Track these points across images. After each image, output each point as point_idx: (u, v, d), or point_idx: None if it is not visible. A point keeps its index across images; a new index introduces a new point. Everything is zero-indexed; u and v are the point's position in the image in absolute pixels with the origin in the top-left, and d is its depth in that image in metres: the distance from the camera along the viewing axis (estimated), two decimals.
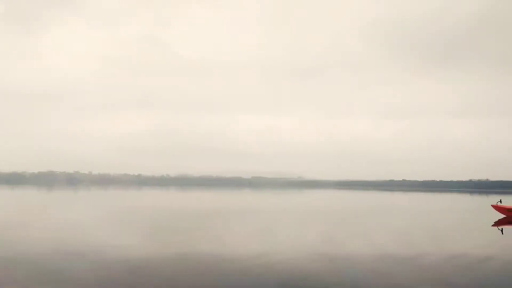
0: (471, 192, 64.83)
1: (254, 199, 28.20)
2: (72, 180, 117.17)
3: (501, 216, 13.73)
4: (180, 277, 4.53)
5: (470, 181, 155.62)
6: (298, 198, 31.43)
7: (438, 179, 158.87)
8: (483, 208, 14.76)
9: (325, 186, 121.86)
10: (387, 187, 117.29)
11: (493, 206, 14.82)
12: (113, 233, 8.38)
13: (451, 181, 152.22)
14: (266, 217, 12.77)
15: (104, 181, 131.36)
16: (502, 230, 10.26)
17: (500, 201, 14.49)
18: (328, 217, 13.55)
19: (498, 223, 11.90)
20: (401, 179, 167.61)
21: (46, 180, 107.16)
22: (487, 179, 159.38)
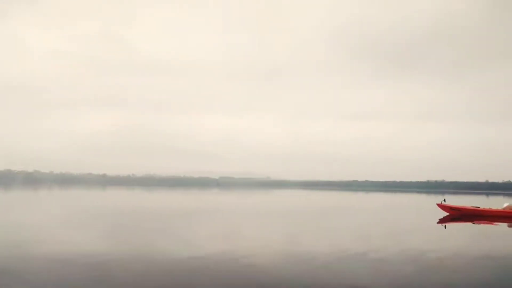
0: (428, 192, 67.62)
1: (222, 199, 27.89)
2: (32, 180, 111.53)
3: (445, 214, 14.60)
4: (143, 278, 4.31)
5: (428, 181, 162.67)
6: (266, 198, 31.42)
7: (398, 180, 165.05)
8: (435, 207, 15.63)
9: (292, 186, 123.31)
10: (350, 187, 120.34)
11: (438, 204, 15.63)
12: (74, 234, 7.88)
13: (410, 182, 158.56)
14: (234, 217, 12.61)
15: (66, 180, 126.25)
16: (445, 227, 10.94)
17: (444, 200, 15.43)
18: (294, 216, 13.59)
19: (442, 221, 12.50)
20: (363, 179, 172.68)
21: (3, 180, 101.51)
22: (443, 180, 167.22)
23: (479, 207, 14.76)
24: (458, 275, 4.68)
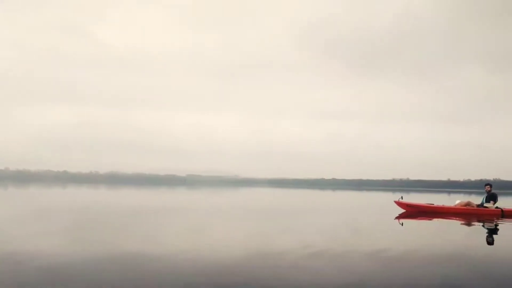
0: (393, 191, 69.89)
1: (189, 197, 27.87)
2: None
3: (402, 210, 15.41)
4: (105, 278, 4.32)
5: (393, 180, 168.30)
6: (234, 196, 31.62)
7: (364, 178, 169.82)
8: (394, 204, 16.40)
9: (260, 184, 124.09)
10: (318, 186, 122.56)
11: (395, 202, 16.36)
12: (31, 234, 7.71)
13: (377, 180, 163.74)
14: (201, 216, 12.70)
15: (23, 178, 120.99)
16: (402, 223, 11.49)
17: (402, 198, 16.14)
18: (261, 214, 13.88)
19: (399, 217, 13.16)
20: (331, 177, 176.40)
21: None
22: (408, 178, 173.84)
23: (433, 204, 15.69)
24: (416, 270, 5.07)
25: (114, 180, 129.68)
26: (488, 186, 14.59)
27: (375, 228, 10.19)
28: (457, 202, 14.96)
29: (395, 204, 16.34)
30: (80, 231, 8.32)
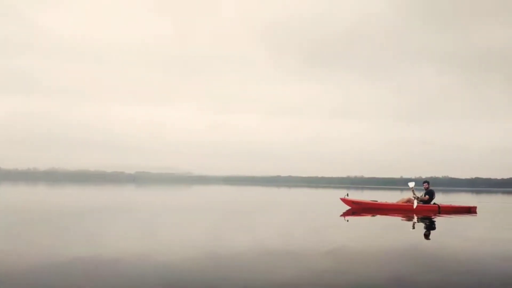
0: (348, 188, 72.43)
1: (137, 196, 27.44)
2: None
3: (348, 207, 16.26)
4: (43, 285, 4.28)
5: (348, 177, 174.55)
6: (186, 194, 31.54)
7: (320, 176, 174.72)
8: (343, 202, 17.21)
9: (214, 181, 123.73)
10: (273, 183, 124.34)
11: (341, 199, 17.18)
12: None
13: (332, 177, 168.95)
14: (151, 215, 12.68)
15: None
16: (347, 220, 12.21)
17: (347, 195, 17.04)
18: (215, 213, 14.03)
19: (344, 214, 13.92)
20: (287, 175, 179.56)
21: None
22: (362, 176, 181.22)
23: (377, 201, 16.80)
24: (365, 265, 5.46)
25: (55, 177, 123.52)
26: (426, 184, 16.19)
27: (324, 226, 10.71)
28: (399, 198, 16.17)
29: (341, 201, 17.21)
30: (13, 234, 7.97)
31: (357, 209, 15.94)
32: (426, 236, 9.06)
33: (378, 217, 13.40)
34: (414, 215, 14.02)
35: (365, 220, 12.85)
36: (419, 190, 16.39)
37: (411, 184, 16.19)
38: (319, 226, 10.58)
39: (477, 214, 15.05)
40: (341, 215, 13.56)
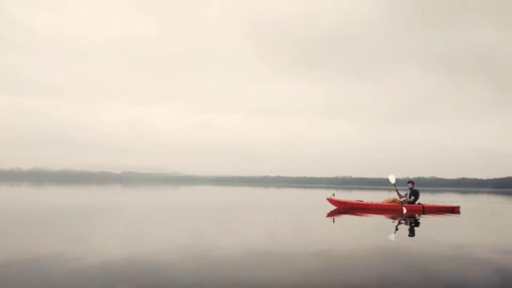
0: (336, 188, 73.03)
1: (123, 196, 27.29)
2: None
3: (334, 207, 16.55)
4: (31, 283, 4.32)
5: (336, 177, 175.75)
6: (173, 195, 31.44)
7: (308, 176, 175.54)
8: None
9: (202, 182, 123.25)
10: (262, 183, 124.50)
11: (327, 199, 17.43)
12: None
13: (320, 178, 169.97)
14: (137, 216, 12.66)
15: None
16: (334, 220, 12.42)
17: (333, 195, 17.33)
18: (202, 214, 14.05)
19: (330, 214, 14.14)
20: (276, 175, 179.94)
21: None
22: (350, 176, 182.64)
23: (362, 201, 17.08)
24: (352, 265, 5.58)
25: (40, 177, 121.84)
26: (411, 184, 16.53)
27: (310, 225, 10.90)
28: (384, 199, 16.45)
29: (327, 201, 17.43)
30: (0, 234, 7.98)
31: (343, 209, 16.19)
32: (410, 235, 9.29)
33: (364, 217, 13.65)
34: (400, 214, 14.30)
35: (351, 219, 13.06)
36: (403, 189, 16.69)
37: (392, 178, 16.45)
38: (305, 226, 10.74)
39: (460, 214, 15.41)
40: (327, 215, 13.79)
